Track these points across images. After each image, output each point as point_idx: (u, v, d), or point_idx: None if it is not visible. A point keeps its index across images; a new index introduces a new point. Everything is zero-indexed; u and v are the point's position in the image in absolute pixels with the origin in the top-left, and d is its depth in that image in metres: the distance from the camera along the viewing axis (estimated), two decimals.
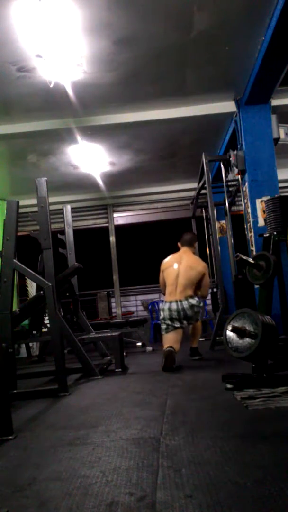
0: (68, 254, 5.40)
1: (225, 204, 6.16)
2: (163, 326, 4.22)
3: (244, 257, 3.38)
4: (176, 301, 4.17)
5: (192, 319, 4.20)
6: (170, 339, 4.11)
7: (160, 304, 4.77)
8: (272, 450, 1.70)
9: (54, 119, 5.25)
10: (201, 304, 4.37)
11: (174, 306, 4.15)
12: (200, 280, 4.30)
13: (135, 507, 1.31)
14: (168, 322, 4.17)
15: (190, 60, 4.35)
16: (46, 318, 4.54)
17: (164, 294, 4.46)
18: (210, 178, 5.74)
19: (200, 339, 6.30)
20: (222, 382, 2.98)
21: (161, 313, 4.27)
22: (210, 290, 5.26)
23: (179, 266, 4.33)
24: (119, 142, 6.06)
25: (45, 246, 3.72)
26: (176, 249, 4.70)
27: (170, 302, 4.20)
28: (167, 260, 4.52)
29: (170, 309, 4.15)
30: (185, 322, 4.17)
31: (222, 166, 5.91)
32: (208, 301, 7.73)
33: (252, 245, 5.02)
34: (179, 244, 4.64)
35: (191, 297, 4.20)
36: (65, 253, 5.41)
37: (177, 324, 4.15)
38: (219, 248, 5.86)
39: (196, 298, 4.23)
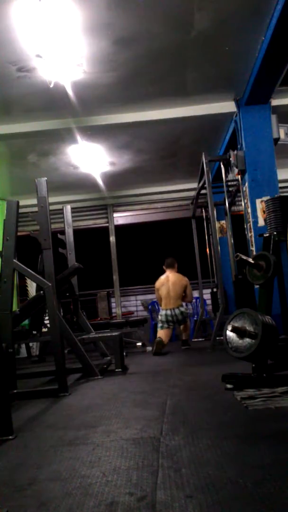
0: (68, 254, 5.40)
1: (225, 204, 6.16)
2: (159, 325, 5.85)
3: (244, 257, 3.38)
4: (171, 309, 5.83)
5: (182, 321, 5.88)
6: (161, 334, 5.71)
7: (160, 311, 6.07)
8: (272, 450, 1.70)
9: (54, 119, 5.25)
10: (187, 310, 6.03)
11: (169, 312, 5.82)
12: (185, 290, 5.91)
13: (135, 507, 1.31)
14: (164, 323, 5.80)
15: (190, 60, 4.35)
16: (46, 318, 4.54)
17: (161, 305, 6.05)
18: (210, 178, 5.74)
19: (200, 339, 6.42)
20: (222, 382, 2.98)
21: (159, 317, 5.90)
22: (193, 297, 6.72)
23: (168, 284, 5.93)
24: (119, 142, 6.06)
25: (45, 246, 3.72)
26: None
27: (166, 309, 5.86)
28: (159, 281, 6.07)
29: (166, 315, 5.82)
30: (177, 323, 5.87)
31: (222, 166, 5.91)
32: (208, 301, 7.73)
33: (252, 245, 5.02)
34: (164, 267, 6.18)
35: (181, 305, 5.88)
36: (65, 253, 5.41)
37: (170, 325, 5.80)
38: (219, 248, 5.86)
39: (184, 306, 5.91)
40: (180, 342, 6.12)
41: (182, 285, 5.89)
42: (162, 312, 5.85)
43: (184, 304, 5.93)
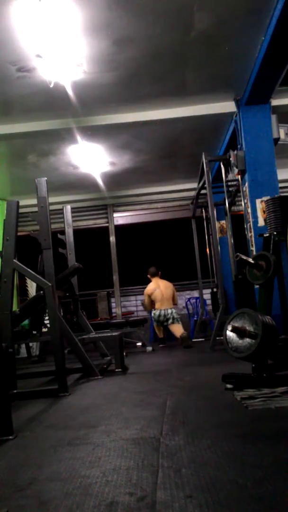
0: (68, 254, 5.40)
1: (225, 204, 6.16)
2: (155, 323, 6.76)
3: (244, 257, 3.38)
4: (165, 309, 6.61)
5: (173, 320, 6.53)
6: (159, 329, 6.76)
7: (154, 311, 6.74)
8: (272, 450, 1.70)
9: (54, 119, 5.25)
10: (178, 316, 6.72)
11: (163, 312, 6.59)
12: (173, 295, 6.78)
13: (135, 507, 1.31)
14: (160, 319, 6.58)
15: (190, 60, 4.35)
16: (46, 318, 4.54)
17: (147, 309, 6.94)
18: (210, 178, 5.74)
19: (200, 339, 6.42)
20: (222, 382, 2.98)
21: (154, 315, 6.69)
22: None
23: (160, 289, 6.73)
24: (119, 142, 6.06)
25: (45, 246, 3.72)
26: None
27: (161, 309, 6.62)
28: (150, 288, 6.79)
29: (160, 314, 6.58)
30: (169, 321, 6.54)
31: (222, 166, 5.91)
32: (208, 301, 7.73)
33: (252, 245, 5.02)
34: (149, 276, 6.94)
35: (172, 307, 6.67)
36: (65, 253, 5.41)
37: (164, 323, 6.61)
38: (219, 248, 5.86)
39: (174, 310, 6.66)
40: (180, 340, 6.37)
41: (172, 289, 6.79)
42: (157, 312, 6.59)
43: (174, 309, 6.72)
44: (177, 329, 6.43)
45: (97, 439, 2.06)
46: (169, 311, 6.54)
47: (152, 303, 6.77)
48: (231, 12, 3.68)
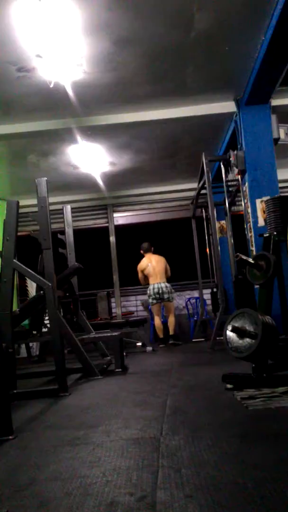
0: (68, 254, 5.40)
1: (225, 204, 6.16)
2: (150, 300, 6.76)
3: (244, 257, 3.38)
4: (158, 283, 6.71)
5: (168, 295, 6.68)
6: (156, 309, 6.77)
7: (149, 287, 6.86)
8: (272, 450, 1.70)
9: (54, 119, 5.25)
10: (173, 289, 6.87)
11: (157, 286, 6.69)
12: (166, 268, 6.85)
13: (135, 507, 1.31)
14: (154, 298, 6.68)
15: (190, 60, 4.35)
16: (46, 318, 4.54)
17: (142, 284, 7.03)
18: (210, 178, 5.74)
19: (200, 339, 6.41)
20: (222, 382, 2.98)
21: (149, 291, 6.73)
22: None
23: (152, 264, 6.81)
24: (119, 142, 6.06)
25: (45, 246, 3.72)
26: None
27: (154, 283, 6.73)
28: (143, 263, 6.93)
29: (154, 288, 6.68)
30: (164, 296, 6.67)
31: (222, 166, 5.90)
32: (208, 301, 7.73)
33: (252, 245, 5.02)
34: (142, 252, 7.03)
35: (165, 281, 6.76)
36: (65, 253, 5.41)
37: (158, 300, 6.69)
38: (219, 248, 5.86)
39: (168, 284, 6.73)
40: (171, 338, 6.62)
41: (164, 262, 6.89)
42: (151, 287, 6.73)
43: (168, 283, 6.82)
44: (172, 326, 6.72)
45: (97, 439, 2.06)
46: (163, 285, 6.68)
47: (146, 278, 6.95)
48: (231, 12, 3.68)
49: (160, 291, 6.63)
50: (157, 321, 6.80)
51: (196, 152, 6.18)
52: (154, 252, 7.11)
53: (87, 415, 2.62)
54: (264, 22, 3.82)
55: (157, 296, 6.67)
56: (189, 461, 1.65)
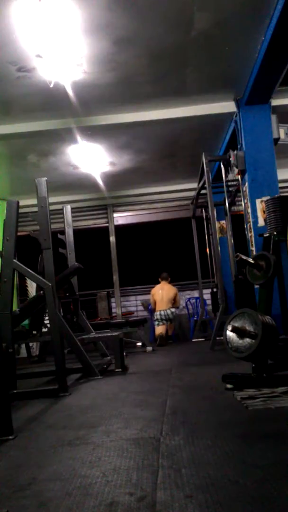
0: (68, 254, 5.40)
1: (225, 204, 6.16)
2: (156, 323, 7.44)
3: (244, 257, 3.38)
4: (165, 310, 7.41)
5: (170, 319, 7.44)
6: (160, 329, 7.29)
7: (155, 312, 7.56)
8: (272, 450, 1.70)
9: (54, 119, 5.25)
10: (176, 312, 7.56)
11: (163, 312, 7.40)
12: (174, 298, 7.53)
13: (135, 507, 1.31)
14: (159, 320, 7.36)
15: (190, 60, 4.35)
16: (46, 318, 4.54)
17: (154, 309, 7.61)
18: (210, 178, 5.74)
19: (200, 339, 6.42)
20: (222, 382, 2.98)
21: (155, 316, 7.48)
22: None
23: (162, 292, 7.57)
24: (119, 142, 6.06)
25: (45, 246, 3.72)
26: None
27: (161, 310, 7.43)
28: (155, 289, 7.69)
29: (160, 314, 7.40)
30: (168, 321, 7.42)
31: (222, 166, 5.90)
32: (208, 301, 7.74)
33: (252, 245, 5.02)
34: (159, 279, 7.75)
35: (170, 308, 7.44)
36: (65, 253, 5.41)
37: (164, 322, 7.37)
38: (219, 248, 5.86)
39: (173, 309, 7.46)
40: (171, 337, 7.53)
41: (173, 293, 7.57)
42: (157, 313, 7.47)
43: (173, 309, 7.51)
44: (170, 330, 7.53)
45: (97, 439, 2.06)
46: (168, 311, 7.40)
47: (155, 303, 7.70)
48: (231, 12, 3.68)
49: (165, 318, 7.37)
50: (158, 332, 7.28)
51: (196, 152, 6.18)
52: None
53: (87, 415, 2.62)
54: (264, 22, 3.81)
55: (162, 320, 7.38)
56: (189, 461, 1.65)
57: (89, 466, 1.70)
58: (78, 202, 8.08)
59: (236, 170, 5.19)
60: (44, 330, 5.10)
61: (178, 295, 7.67)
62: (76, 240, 5.55)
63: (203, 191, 6.45)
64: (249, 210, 5.01)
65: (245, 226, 5.24)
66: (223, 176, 5.90)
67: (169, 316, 7.36)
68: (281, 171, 5.59)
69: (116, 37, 3.86)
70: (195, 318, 7.64)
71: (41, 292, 3.71)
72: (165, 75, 4.59)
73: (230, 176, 6.03)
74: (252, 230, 4.94)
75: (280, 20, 3.60)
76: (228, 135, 5.94)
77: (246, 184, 5.08)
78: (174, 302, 7.51)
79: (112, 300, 8.56)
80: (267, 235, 3.61)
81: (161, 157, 6.80)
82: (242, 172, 5.14)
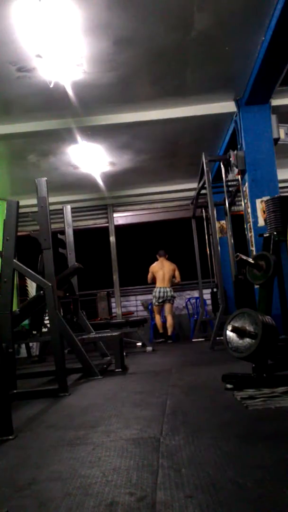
0: (68, 254, 5.40)
1: (225, 204, 6.16)
2: (154, 301, 7.53)
3: (244, 257, 3.38)
4: (164, 287, 7.47)
5: (170, 300, 7.45)
6: (157, 309, 7.46)
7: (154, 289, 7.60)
8: (272, 450, 1.70)
9: (54, 119, 5.25)
10: (174, 294, 7.61)
11: (162, 290, 7.45)
12: (174, 274, 7.62)
13: (135, 507, 1.31)
14: (158, 298, 7.43)
15: (190, 60, 4.35)
16: (46, 318, 4.54)
17: (148, 282, 7.75)
18: (210, 178, 5.73)
19: (200, 339, 6.42)
20: (222, 382, 2.98)
21: (154, 293, 7.53)
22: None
23: (163, 270, 7.60)
24: (119, 142, 6.06)
25: (45, 246, 3.72)
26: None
27: (160, 287, 7.48)
28: (154, 266, 7.71)
29: (160, 291, 7.44)
30: (166, 299, 7.42)
31: (222, 166, 5.90)
32: (208, 301, 7.74)
33: (252, 245, 5.02)
34: (157, 256, 7.77)
35: (170, 286, 7.53)
36: (65, 253, 5.41)
37: (160, 302, 7.44)
38: (219, 248, 5.86)
39: (173, 292, 7.56)
40: (167, 338, 7.41)
41: (172, 269, 7.63)
42: (156, 290, 7.50)
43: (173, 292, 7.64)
44: (170, 328, 7.39)
45: (97, 439, 2.06)
46: (168, 289, 7.48)
47: (153, 278, 7.71)
48: (231, 12, 3.68)
49: (164, 295, 7.41)
50: (158, 318, 7.45)
51: (196, 152, 6.18)
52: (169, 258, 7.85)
53: (87, 415, 2.62)
54: (264, 22, 3.82)
55: (160, 299, 7.41)
56: (189, 461, 1.65)
57: (89, 466, 1.70)
58: (78, 202, 8.08)
59: (236, 170, 5.19)
60: (44, 330, 5.11)
61: (177, 270, 7.69)
62: (76, 240, 5.55)
63: (203, 191, 6.45)
64: (249, 210, 5.01)
65: (245, 226, 5.24)
66: (223, 176, 5.90)
67: (169, 294, 7.42)
68: (281, 171, 5.58)
69: (116, 37, 3.86)
70: (195, 318, 7.64)
71: (41, 292, 3.71)
72: (165, 75, 4.59)
73: (230, 176, 6.03)
74: (252, 230, 4.95)
75: (280, 20, 3.61)
76: (228, 135, 5.94)
77: (246, 184, 5.08)
78: (174, 277, 7.61)
79: (112, 300, 8.56)
80: (267, 235, 3.61)
81: (161, 157, 6.81)
82: (242, 172, 5.14)
